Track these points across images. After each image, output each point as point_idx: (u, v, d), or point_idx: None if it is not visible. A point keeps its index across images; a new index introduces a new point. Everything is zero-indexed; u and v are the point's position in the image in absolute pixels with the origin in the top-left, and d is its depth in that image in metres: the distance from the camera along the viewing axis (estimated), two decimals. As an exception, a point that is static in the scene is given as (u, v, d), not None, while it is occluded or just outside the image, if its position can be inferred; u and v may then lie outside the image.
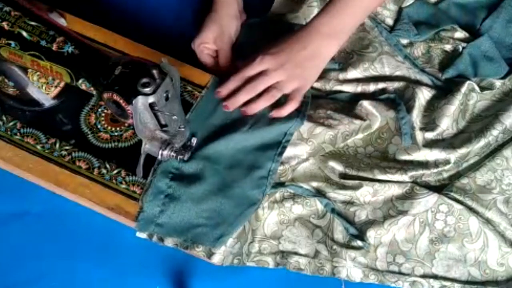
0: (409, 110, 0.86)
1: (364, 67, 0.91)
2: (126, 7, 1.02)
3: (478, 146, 0.84)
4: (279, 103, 0.84)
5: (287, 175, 0.84)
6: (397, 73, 0.91)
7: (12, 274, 0.80)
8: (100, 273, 0.81)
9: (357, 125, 0.85)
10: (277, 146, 0.82)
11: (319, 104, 0.88)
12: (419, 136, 0.85)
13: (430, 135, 0.86)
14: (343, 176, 0.84)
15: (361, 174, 0.84)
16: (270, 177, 0.81)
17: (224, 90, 0.84)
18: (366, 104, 0.85)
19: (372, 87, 0.90)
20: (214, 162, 0.81)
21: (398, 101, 0.87)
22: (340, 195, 0.83)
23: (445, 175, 0.85)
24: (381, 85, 0.90)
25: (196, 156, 0.81)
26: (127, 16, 1.00)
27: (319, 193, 0.83)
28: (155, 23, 1.00)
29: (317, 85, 0.90)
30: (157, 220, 0.78)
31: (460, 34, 0.95)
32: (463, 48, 0.93)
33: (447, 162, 0.84)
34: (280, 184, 0.83)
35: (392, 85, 0.90)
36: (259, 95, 0.84)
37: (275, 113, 0.84)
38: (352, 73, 0.91)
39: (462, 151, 0.84)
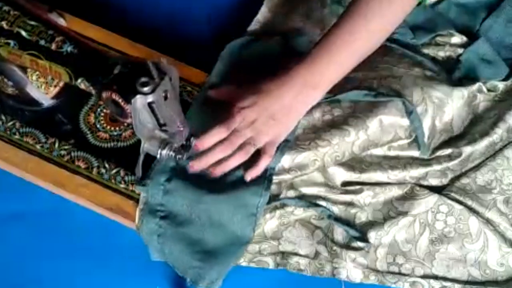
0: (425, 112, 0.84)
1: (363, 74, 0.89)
2: (125, 7, 1.02)
3: (482, 145, 0.84)
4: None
5: (281, 188, 0.83)
6: (401, 69, 0.89)
7: (12, 274, 0.80)
8: (100, 273, 0.80)
9: (349, 143, 0.82)
10: (263, 181, 0.80)
11: (310, 117, 0.86)
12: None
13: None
14: (344, 183, 0.84)
15: (363, 176, 0.83)
16: (258, 213, 0.79)
17: (204, 142, 0.80)
18: (384, 120, 0.83)
19: (376, 85, 0.87)
20: (198, 200, 0.79)
21: (410, 107, 0.83)
22: (341, 197, 0.83)
23: (450, 175, 0.84)
24: (386, 83, 0.87)
25: (180, 191, 0.80)
26: (126, 16, 1.00)
27: (316, 199, 0.82)
28: (155, 23, 1.00)
29: None
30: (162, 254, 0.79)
31: (456, 39, 0.94)
32: (460, 55, 0.92)
33: (450, 158, 0.84)
34: (275, 197, 0.82)
35: (397, 83, 0.87)
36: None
37: (252, 173, 0.80)
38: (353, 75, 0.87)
39: (467, 150, 0.83)
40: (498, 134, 0.84)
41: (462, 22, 0.97)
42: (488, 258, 0.80)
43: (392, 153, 0.86)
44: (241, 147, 0.80)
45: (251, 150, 0.80)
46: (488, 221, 0.80)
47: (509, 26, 0.95)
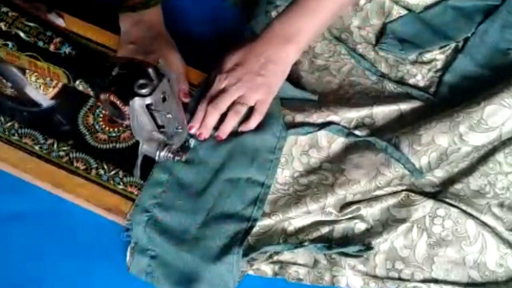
0: (398, 143, 0.82)
1: (342, 110, 0.88)
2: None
3: (466, 150, 0.82)
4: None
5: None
6: (375, 107, 0.88)
7: (11, 274, 0.80)
8: (100, 273, 0.80)
9: (328, 185, 0.81)
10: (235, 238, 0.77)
11: (290, 157, 0.85)
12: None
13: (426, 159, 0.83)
14: (342, 206, 0.83)
15: (360, 198, 0.82)
16: (235, 268, 0.76)
17: (195, 122, 0.83)
18: (359, 162, 0.82)
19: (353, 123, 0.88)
20: (176, 252, 0.78)
21: (382, 145, 0.82)
22: (340, 221, 0.83)
23: (435, 179, 0.84)
24: (363, 113, 0.87)
25: (159, 241, 0.78)
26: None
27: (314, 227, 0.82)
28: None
29: (299, 118, 0.86)
30: None
31: (441, 55, 0.94)
32: (442, 75, 0.92)
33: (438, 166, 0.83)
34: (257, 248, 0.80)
35: (374, 120, 0.88)
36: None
37: (243, 127, 0.83)
38: (331, 118, 0.87)
39: (453, 157, 0.82)
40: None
41: (458, 25, 0.95)
42: (487, 259, 0.79)
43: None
44: (231, 108, 0.82)
45: (242, 109, 0.82)
46: (484, 224, 0.80)
47: (505, 32, 0.94)
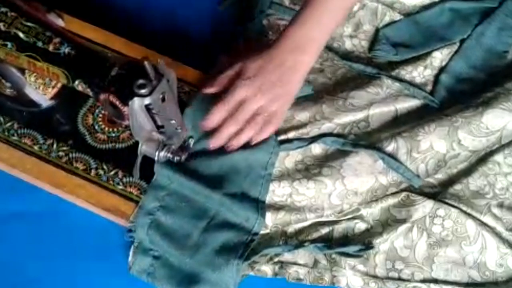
0: (397, 150, 0.82)
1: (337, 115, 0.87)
2: (124, 7, 1.02)
3: (465, 155, 0.83)
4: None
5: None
6: (373, 107, 0.87)
7: (11, 274, 0.80)
8: (99, 273, 0.80)
9: (326, 195, 0.81)
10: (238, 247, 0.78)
11: (283, 167, 0.84)
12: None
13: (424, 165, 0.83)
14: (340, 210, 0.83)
15: (356, 207, 0.82)
16: (237, 271, 0.76)
17: (209, 122, 0.80)
18: (358, 168, 0.82)
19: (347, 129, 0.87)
20: (179, 254, 0.78)
21: (380, 155, 0.81)
22: (340, 221, 0.83)
23: (434, 180, 0.84)
24: (359, 117, 0.87)
25: (161, 243, 0.79)
26: (125, 16, 1.00)
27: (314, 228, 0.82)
28: (153, 23, 1.00)
29: (292, 134, 0.85)
30: None
31: (435, 58, 0.93)
32: (438, 74, 0.92)
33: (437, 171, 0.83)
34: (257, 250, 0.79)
35: (368, 123, 0.87)
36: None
37: (257, 137, 0.81)
38: (325, 126, 0.86)
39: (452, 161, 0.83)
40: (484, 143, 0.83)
41: (454, 27, 0.95)
42: (487, 259, 0.79)
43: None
44: (252, 118, 0.80)
45: (262, 121, 0.80)
46: (484, 224, 0.80)
47: (501, 34, 0.93)
